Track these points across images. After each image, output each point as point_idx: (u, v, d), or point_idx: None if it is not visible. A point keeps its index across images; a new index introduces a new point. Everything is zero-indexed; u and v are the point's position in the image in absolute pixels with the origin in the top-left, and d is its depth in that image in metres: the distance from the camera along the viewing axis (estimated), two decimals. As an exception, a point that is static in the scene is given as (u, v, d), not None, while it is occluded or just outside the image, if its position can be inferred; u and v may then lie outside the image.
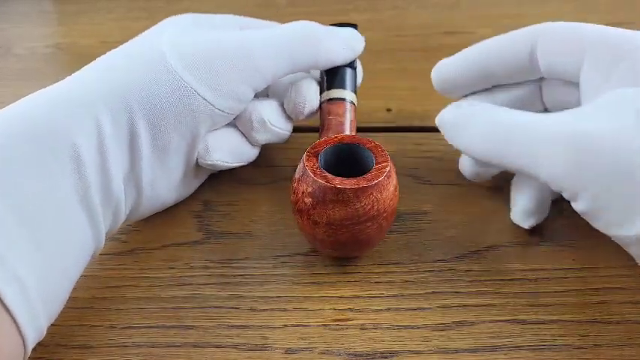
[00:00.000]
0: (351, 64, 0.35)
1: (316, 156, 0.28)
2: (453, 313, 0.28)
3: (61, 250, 0.25)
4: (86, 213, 0.26)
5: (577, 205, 0.27)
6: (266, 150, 0.37)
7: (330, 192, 0.27)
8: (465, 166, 0.34)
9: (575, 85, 0.31)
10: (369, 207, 0.27)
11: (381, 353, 0.27)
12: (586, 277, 0.30)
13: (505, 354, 0.26)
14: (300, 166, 0.28)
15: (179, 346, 0.27)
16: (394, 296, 0.29)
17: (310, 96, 0.34)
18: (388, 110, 0.43)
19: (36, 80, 0.49)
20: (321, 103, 0.34)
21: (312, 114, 0.34)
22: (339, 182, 0.27)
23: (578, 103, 0.31)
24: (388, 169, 0.28)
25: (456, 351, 0.27)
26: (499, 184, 0.35)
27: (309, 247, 0.32)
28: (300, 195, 0.28)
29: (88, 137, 0.27)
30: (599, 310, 0.28)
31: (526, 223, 0.32)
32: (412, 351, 0.27)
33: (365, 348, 0.27)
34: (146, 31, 0.34)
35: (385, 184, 0.27)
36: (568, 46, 0.30)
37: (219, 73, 0.30)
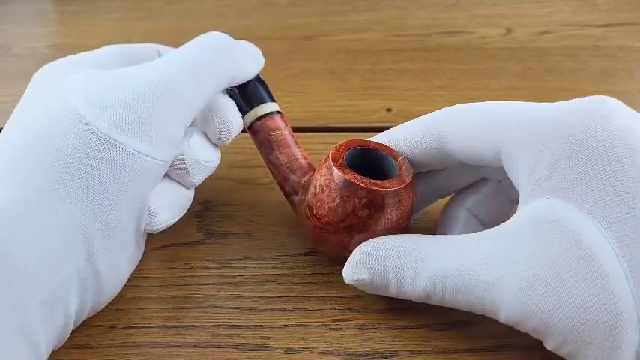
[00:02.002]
0: (257, 76, 0.33)
1: (344, 168, 0.27)
2: (453, 313, 0.28)
3: None
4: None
5: (547, 345, 0.24)
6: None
7: (395, 195, 0.27)
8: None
9: None
10: (411, 201, 0.28)
11: (381, 353, 0.27)
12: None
13: (505, 354, 0.26)
14: (336, 182, 0.27)
15: (179, 346, 0.27)
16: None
17: (235, 118, 0.31)
18: (388, 110, 0.43)
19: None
20: (251, 124, 0.32)
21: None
22: (389, 185, 0.27)
23: None
24: (407, 162, 0.28)
25: (456, 351, 0.27)
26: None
27: (309, 247, 0.32)
28: (350, 211, 0.26)
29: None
30: (599, 310, 0.28)
31: None
32: (412, 351, 0.27)
33: (365, 348, 0.27)
34: (39, 83, 0.29)
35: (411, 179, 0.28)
36: (478, 131, 0.27)
37: (148, 119, 0.27)
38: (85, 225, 0.25)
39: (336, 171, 0.27)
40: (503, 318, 0.24)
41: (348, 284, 0.30)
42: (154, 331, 0.28)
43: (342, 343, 0.27)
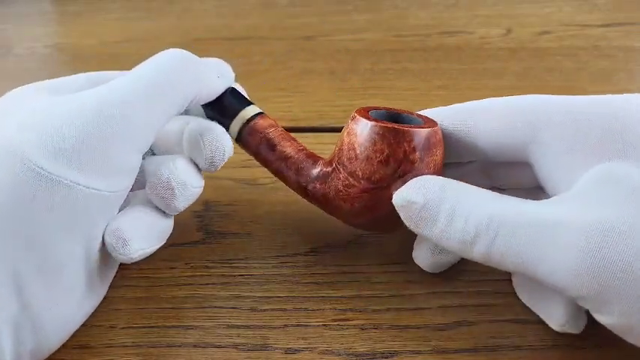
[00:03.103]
0: (232, 88, 0.31)
1: (377, 121, 0.27)
2: (453, 313, 0.28)
3: None
4: None
5: (601, 318, 0.23)
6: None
7: (434, 134, 0.26)
8: (420, 257, 0.30)
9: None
10: (444, 145, 0.28)
11: (381, 353, 0.27)
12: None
13: (505, 354, 0.26)
14: (379, 133, 0.26)
15: (179, 346, 0.27)
16: (394, 296, 0.29)
17: (225, 141, 0.29)
18: (388, 110, 0.43)
19: (36, 80, 0.49)
20: (240, 131, 0.30)
21: None
22: (426, 126, 0.26)
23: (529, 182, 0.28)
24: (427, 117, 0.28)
25: (456, 351, 0.27)
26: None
27: (309, 246, 0.32)
28: (402, 157, 0.26)
29: None
30: (599, 310, 0.28)
31: (579, 329, 0.26)
32: (412, 351, 0.27)
33: (365, 348, 0.27)
34: None
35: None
36: (510, 122, 0.26)
37: (96, 149, 0.24)
38: (16, 267, 0.23)
39: (374, 123, 0.26)
40: (558, 274, 0.22)
41: (347, 284, 0.30)
42: (154, 331, 0.28)
43: (342, 343, 0.27)
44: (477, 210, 0.24)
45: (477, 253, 0.24)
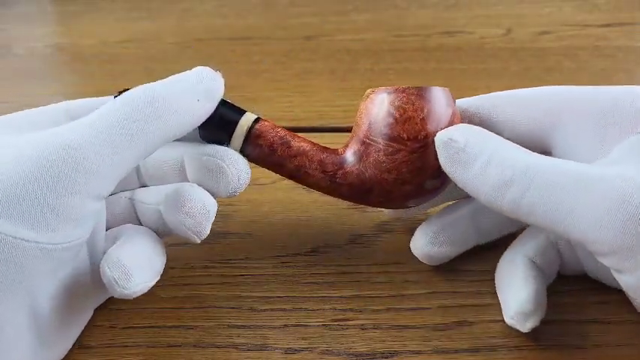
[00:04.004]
0: (222, 100, 0.28)
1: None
2: (453, 313, 0.28)
3: None
4: None
5: (622, 278, 0.23)
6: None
7: (444, 93, 0.27)
8: (419, 246, 0.30)
9: None
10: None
11: (381, 353, 0.27)
12: (586, 276, 0.29)
13: (505, 354, 0.26)
14: (414, 94, 0.27)
15: (179, 346, 0.27)
16: (394, 296, 0.29)
17: (240, 166, 0.27)
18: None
19: (36, 80, 0.49)
20: (245, 139, 0.28)
21: None
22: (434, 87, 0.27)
23: None
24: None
25: (456, 351, 0.27)
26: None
27: (309, 246, 0.32)
28: (442, 111, 0.27)
29: None
30: (599, 310, 0.28)
31: (525, 327, 0.26)
32: (412, 351, 0.27)
33: (365, 348, 0.27)
34: None
35: None
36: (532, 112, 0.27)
37: (34, 198, 0.22)
38: None
39: (401, 89, 0.27)
40: (588, 227, 0.22)
41: (347, 284, 0.30)
42: (154, 331, 0.28)
43: (342, 343, 0.27)
44: (514, 159, 0.24)
45: (507, 200, 0.24)
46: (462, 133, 0.25)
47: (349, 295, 0.29)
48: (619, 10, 0.56)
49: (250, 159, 0.29)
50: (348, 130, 0.39)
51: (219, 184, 0.27)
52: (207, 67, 0.27)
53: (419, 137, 0.26)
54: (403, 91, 0.27)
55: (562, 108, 0.26)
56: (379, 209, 0.34)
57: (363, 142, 0.27)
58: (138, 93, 0.25)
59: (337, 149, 0.28)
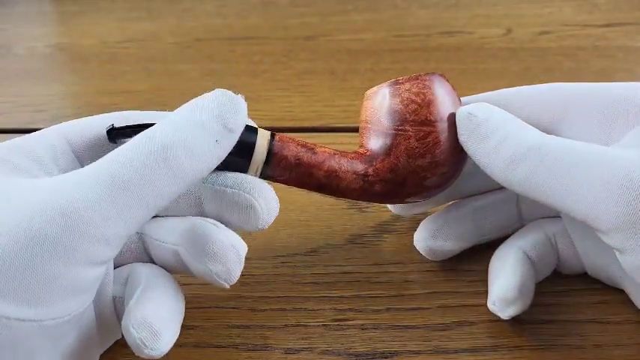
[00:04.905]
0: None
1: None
2: (453, 313, 0.28)
3: None
4: None
5: (624, 258, 0.23)
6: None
7: (441, 76, 0.28)
8: (420, 239, 0.30)
9: None
10: None
11: (381, 353, 0.27)
12: (586, 276, 0.30)
13: (505, 354, 0.26)
14: (429, 79, 0.27)
15: (179, 346, 0.27)
16: (394, 296, 0.29)
17: (269, 197, 0.25)
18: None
19: (36, 80, 0.49)
20: (264, 169, 0.26)
21: None
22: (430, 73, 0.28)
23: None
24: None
25: (456, 351, 0.27)
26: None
27: (309, 247, 0.32)
28: (452, 94, 0.28)
29: None
30: (598, 309, 0.28)
31: (505, 313, 0.26)
32: (412, 351, 0.27)
33: (365, 348, 0.27)
34: None
35: None
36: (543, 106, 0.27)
37: (32, 274, 0.20)
38: None
39: (411, 78, 0.28)
40: (593, 204, 0.23)
41: (347, 284, 0.30)
42: (154, 331, 0.28)
43: (342, 343, 0.27)
44: (529, 137, 0.25)
45: (519, 174, 0.24)
46: (482, 109, 0.26)
47: (349, 295, 0.29)
48: (619, 10, 0.56)
49: (273, 177, 0.26)
50: (349, 130, 0.39)
51: (248, 220, 0.25)
52: (228, 93, 0.24)
53: (445, 118, 0.27)
54: (416, 78, 0.27)
55: (568, 102, 0.27)
56: (379, 209, 0.34)
57: (389, 135, 0.27)
58: (147, 140, 0.22)
59: (357, 150, 0.28)
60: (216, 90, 0.24)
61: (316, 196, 0.35)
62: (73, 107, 0.46)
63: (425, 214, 0.33)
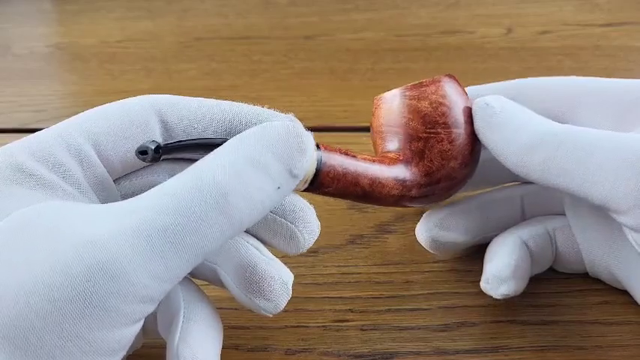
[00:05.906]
0: None
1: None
2: (454, 313, 0.28)
3: None
4: None
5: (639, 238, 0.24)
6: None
7: (452, 78, 0.28)
8: (422, 230, 0.30)
9: None
10: None
11: (381, 354, 0.26)
12: (587, 277, 0.29)
13: (506, 355, 0.26)
14: (446, 82, 0.28)
15: (179, 346, 0.27)
16: (394, 297, 0.29)
17: (312, 225, 0.24)
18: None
19: (36, 80, 0.49)
20: (315, 180, 0.24)
21: None
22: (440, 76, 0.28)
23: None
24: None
25: (457, 352, 0.26)
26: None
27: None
28: (463, 105, 0.27)
29: None
30: (600, 310, 0.28)
31: (497, 291, 0.26)
32: (412, 352, 0.27)
33: (365, 349, 0.27)
34: None
35: None
36: (553, 97, 0.28)
37: (62, 337, 0.17)
38: None
39: (433, 81, 0.28)
40: (610, 187, 0.23)
41: (347, 285, 0.30)
42: (153, 331, 0.28)
43: (342, 344, 0.27)
44: (545, 125, 0.25)
45: (536, 160, 0.25)
46: (498, 100, 0.27)
47: (349, 296, 0.29)
48: (620, 9, 0.56)
49: (320, 189, 0.24)
50: (349, 129, 0.39)
51: (288, 248, 0.24)
52: (298, 128, 0.21)
53: (469, 120, 0.27)
54: (440, 81, 0.28)
55: (580, 93, 0.28)
56: (379, 209, 0.34)
57: (420, 138, 0.27)
58: (203, 185, 0.19)
59: (385, 155, 0.27)
60: (286, 121, 0.22)
61: (316, 197, 0.35)
62: (73, 107, 0.46)
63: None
